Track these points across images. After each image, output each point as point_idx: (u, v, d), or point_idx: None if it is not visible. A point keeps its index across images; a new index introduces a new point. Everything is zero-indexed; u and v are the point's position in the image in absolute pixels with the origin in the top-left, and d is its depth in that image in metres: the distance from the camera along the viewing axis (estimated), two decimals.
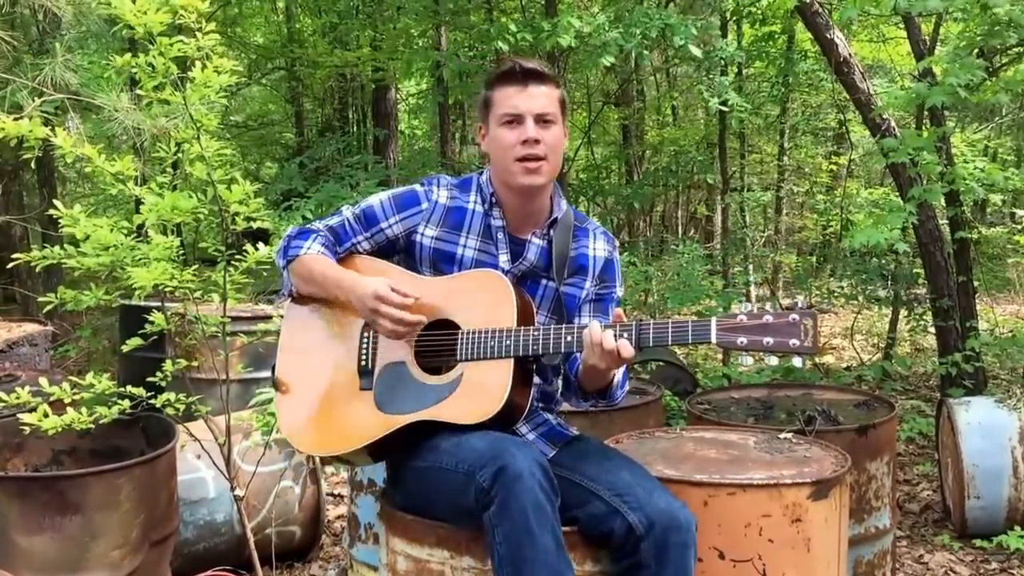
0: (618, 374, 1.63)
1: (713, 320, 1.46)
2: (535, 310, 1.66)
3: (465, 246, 1.68)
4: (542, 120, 1.63)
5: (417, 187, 1.73)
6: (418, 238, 1.68)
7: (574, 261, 1.72)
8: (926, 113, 4.24)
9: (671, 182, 8.27)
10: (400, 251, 1.73)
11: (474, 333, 1.56)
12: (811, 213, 8.36)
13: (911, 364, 5.50)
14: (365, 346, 1.64)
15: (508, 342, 1.53)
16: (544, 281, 1.70)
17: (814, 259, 7.65)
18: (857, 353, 5.71)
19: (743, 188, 7.51)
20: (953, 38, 4.81)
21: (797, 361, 1.44)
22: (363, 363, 1.65)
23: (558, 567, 1.38)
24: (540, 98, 1.64)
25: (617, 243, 1.83)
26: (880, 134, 4.08)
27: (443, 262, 1.68)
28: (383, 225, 1.70)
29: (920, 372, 5.49)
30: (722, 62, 6.06)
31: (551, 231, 1.70)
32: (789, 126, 7.61)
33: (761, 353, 1.44)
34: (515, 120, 1.63)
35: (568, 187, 6.80)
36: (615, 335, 1.49)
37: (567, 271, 1.70)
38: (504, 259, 1.68)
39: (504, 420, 1.54)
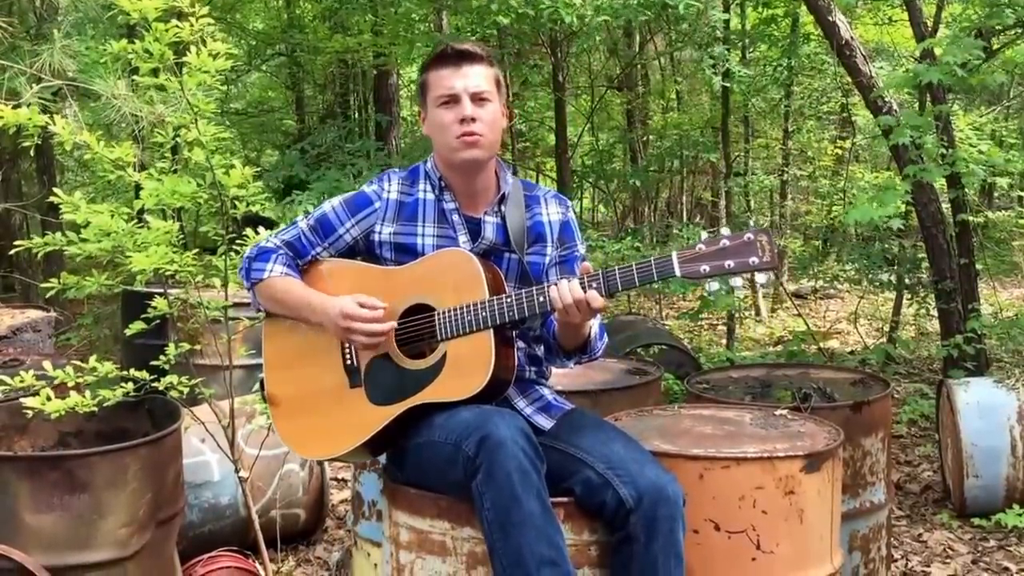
0: (594, 326, 1.66)
1: (674, 254, 1.50)
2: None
3: (423, 235, 1.69)
4: (478, 98, 1.65)
5: (367, 188, 1.75)
6: (376, 237, 1.70)
7: (531, 231, 1.74)
8: (928, 95, 4.21)
9: (675, 165, 8.25)
10: (360, 252, 1.75)
11: (450, 311, 1.59)
12: (815, 198, 8.33)
13: (915, 348, 5.50)
14: (348, 345, 1.66)
15: (484, 313, 1.56)
16: (506, 255, 1.72)
17: (818, 244, 7.63)
18: (861, 338, 5.71)
19: (746, 172, 7.49)
20: (956, 19, 4.78)
21: (760, 278, 1.48)
22: (348, 362, 1.67)
23: (545, 529, 1.41)
24: (474, 77, 1.66)
25: (571, 203, 1.86)
26: (881, 115, 4.07)
27: (405, 255, 1.69)
28: (340, 231, 1.72)
29: (924, 356, 5.50)
30: (719, 33, 6.03)
31: (502, 207, 1.72)
32: (793, 110, 7.57)
33: (727, 276, 1.47)
34: (451, 100, 1.65)
35: (572, 172, 6.80)
36: (583, 286, 1.52)
37: (527, 242, 1.72)
38: (463, 240, 1.70)
39: (494, 390, 1.57)
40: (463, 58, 1.66)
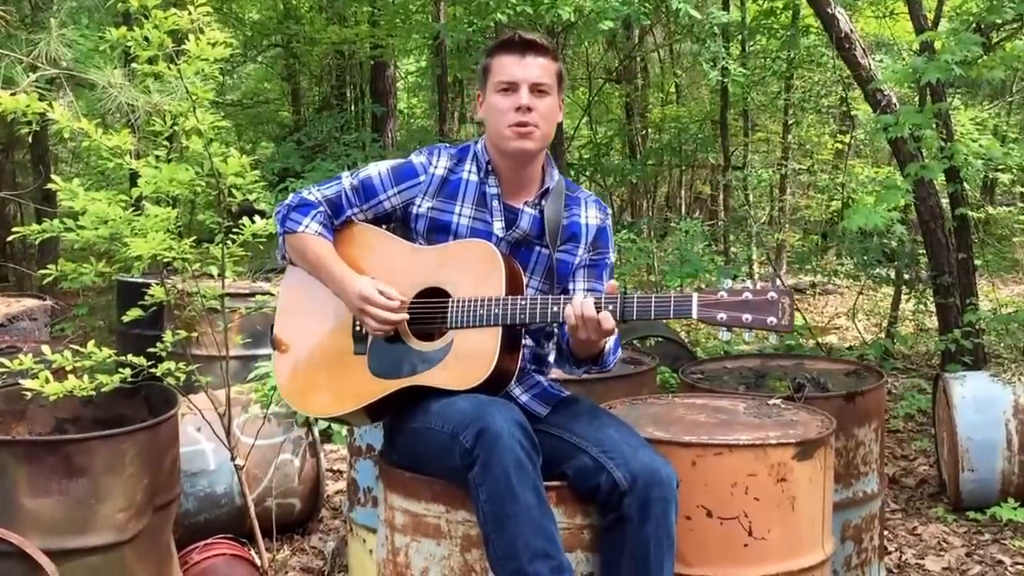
0: (609, 341, 1.67)
1: (694, 296, 1.51)
2: (528, 276, 1.70)
3: (460, 214, 1.70)
4: (537, 90, 1.66)
5: (414, 158, 1.75)
6: (415, 209, 1.71)
7: (567, 229, 1.75)
8: (927, 90, 4.21)
9: (673, 160, 8.24)
10: (396, 221, 1.76)
11: (464, 301, 1.60)
12: (814, 192, 8.33)
13: (913, 343, 5.51)
14: None
15: (497, 311, 1.57)
16: (537, 248, 1.74)
17: (817, 238, 7.64)
18: (860, 333, 5.72)
19: (745, 166, 7.49)
20: (955, 12, 4.78)
21: (773, 339, 1.48)
22: (357, 328, 1.68)
23: (540, 522, 1.43)
24: (536, 68, 1.67)
25: (610, 211, 1.87)
26: (880, 109, 4.07)
27: (438, 232, 1.70)
28: (381, 198, 1.73)
29: (922, 351, 5.51)
30: (717, 30, 6.03)
31: (543, 201, 1.73)
32: (793, 103, 7.56)
33: (741, 329, 1.48)
34: (510, 88, 1.66)
35: (568, 166, 6.79)
36: (598, 307, 1.53)
37: (560, 239, 1.73)
38: (498, 226, 1.71)
39: (493, 386, 1.58)
40: (528, 48, 1.67)
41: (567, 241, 1.75)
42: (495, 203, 1.71)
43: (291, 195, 1.78)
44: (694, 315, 1.49)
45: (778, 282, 1.53)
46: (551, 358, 1.80)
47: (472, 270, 1.62)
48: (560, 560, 1.43)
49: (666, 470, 1.50)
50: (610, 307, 1.52)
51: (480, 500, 1.44)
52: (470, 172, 1.72)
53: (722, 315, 1.48)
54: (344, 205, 1.73)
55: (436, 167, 1.72)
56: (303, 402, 1.74)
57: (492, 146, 1.72)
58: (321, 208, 1.73)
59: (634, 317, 1.53)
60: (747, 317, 1.47)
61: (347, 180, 1.75)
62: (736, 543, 1.68)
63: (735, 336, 1.52)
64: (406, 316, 1.63)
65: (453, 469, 1.49)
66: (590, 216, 1.78)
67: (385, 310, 1.61)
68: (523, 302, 1.56)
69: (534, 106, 1.65)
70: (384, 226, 1.77)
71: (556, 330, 1.74)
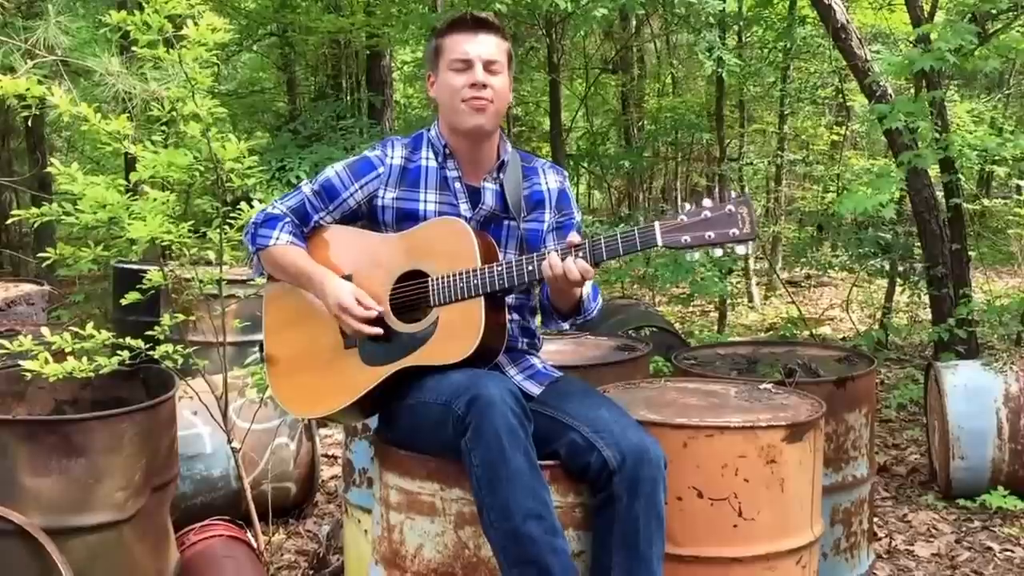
0: (586, 288, 1.69)
1: (657, 224, 1.53)
2: (501, 250, 1.73)
3: (426, 201, 1.73)
4: (490, 67, 1.69)
5: (368, 153, 1.78)
6: (379, 202, 1.73)
7: (530, 199, 1.78)
8: (923, 80, 4.22)
9: (669, 150, 8.24)
10: (363, 218, 1.78)
11: (443, 278, 1.63)
12: (810, 183, 8.34)
13: (906, 334, 5.54)
14: None
15: (476, 281, 1.60)
16: (505, 222, 1.77)
17: (812, 230, 7.65)
18: (854, 324, 5.75)
19: (740, 157, 7.49)
20: (951, 3, 4.78)
21: (741, 250, 1.51)
22: None
23: (532, 485, 1.45)
24: (489, 46, 1.70)
25: (567, 173, 1.91)
26: (875, 100, 4.08)
27: (406, 221, 1.73)
28: (344, 196, 1.75)
29: (915, 342, 5.54)
30: (712, 20, 6.03)
31: (500, 174, 1.76)
32: (789, 94, 7.56)
33: (707, 248, 1.50)
34: (465, 65, 1.68)
35: (567, 157, 6.80)
36: (573, 260, 1.56)
37: (525, 209, 1.76)
38: (464, 207, 1.74)
39: (484, 355, 1.61)
40: (480, 26, 1.70)
41: (533, 210, 1.78)
42: (457, 185, 1.74)
43: (255, 213, 1.81)
44: (659, 242, 1.51)
45: (735, 193, 1.54)
46: (538, 329, 1.84)
47: (445, 247, 1.65)
48: (553, 523, 1.46)
49: (655, 449, 1.53)
50: (580, 254, 1.55)
51: (473, 465, 1.46)
52: (428, 159, 1.75)
53: (686, 237, 1.51)
54: (309, 211, 1.76)
55: (392, 157, 1.74)
56: (303, 406, 1.77)
57: (446, 126, 1.74)
58: (287, 219, 1.75)
59: (604, 257, 1.55)
60: (710, 235, 1.50)
61: (307, 187, 1.77)
62: (726, 523, 1.70)
63: (703, 256, 1.53)
64: (379, 331, 1.65)
65: (447, 441, 1.51)
66: (550, 181, 1.81)
67: (361, 321, 1.64)
68: (499, 268, 1.59)
69: (488, 83, 1.67)
70: (352, 224, 1.79)
71: (537, 290, 1.76)
